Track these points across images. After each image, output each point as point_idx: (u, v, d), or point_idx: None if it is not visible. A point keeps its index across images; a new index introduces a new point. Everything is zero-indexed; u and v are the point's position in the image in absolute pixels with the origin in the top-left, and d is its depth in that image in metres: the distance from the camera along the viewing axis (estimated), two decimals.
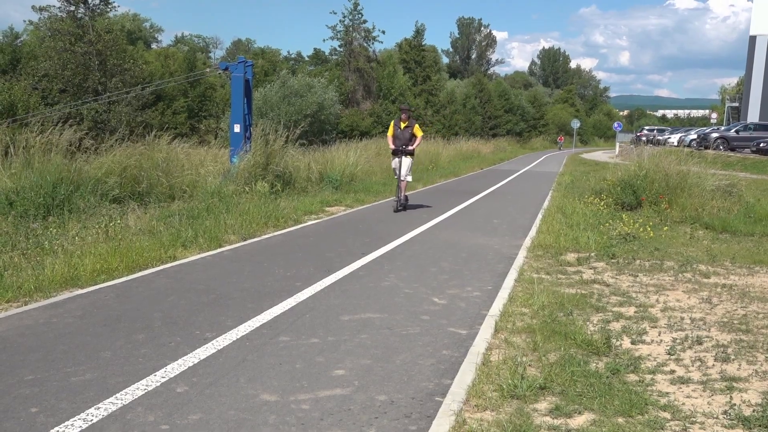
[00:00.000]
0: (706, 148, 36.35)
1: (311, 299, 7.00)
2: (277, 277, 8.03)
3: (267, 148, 16.28)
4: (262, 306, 6.65)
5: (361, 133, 43.59)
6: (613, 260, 9.57)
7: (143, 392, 4.47)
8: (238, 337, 5.68)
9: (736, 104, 66.60)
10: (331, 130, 43.21)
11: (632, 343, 5.83)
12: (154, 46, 73.73)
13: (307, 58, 71.20)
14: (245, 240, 10.61)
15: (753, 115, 55.08)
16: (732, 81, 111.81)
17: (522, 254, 10.05)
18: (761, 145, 32.95)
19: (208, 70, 35.18)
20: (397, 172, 14.87)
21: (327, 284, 7.69)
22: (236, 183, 14.85)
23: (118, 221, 10.33)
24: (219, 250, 9.71)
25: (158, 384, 4.61)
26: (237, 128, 16.41)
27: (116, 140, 14.07)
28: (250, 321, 6.12)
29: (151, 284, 7.51)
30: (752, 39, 57.13)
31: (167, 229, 10.38)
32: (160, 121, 40.34)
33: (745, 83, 60.74)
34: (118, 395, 4.40)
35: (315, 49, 79.31)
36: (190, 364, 4.99)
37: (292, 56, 75.76)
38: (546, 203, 17.17)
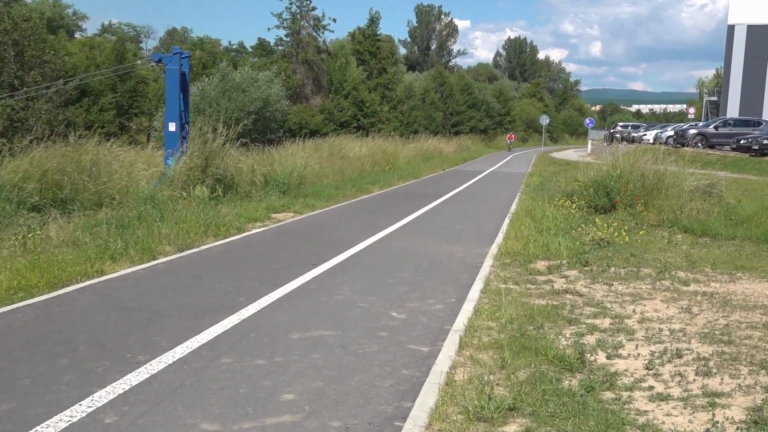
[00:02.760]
0: (684, 145, 37.08)
1: (256, 316, 6.96)
2: (219, 291, 7.97)
3: (206, 148, 16.13)
4: (202, 324, 6.58)
5: (311, 131, 43.46)
6: (586, 268, 9.71)
7: (67, 424, 4.38)
8: (175, 359, 5.61)
9: (714, 98, 68.08)
10: (278, 128, 42.94)
11: (608, 357, 5.90)
12: (77, 35, 72.54)
13: (250, 49, 70.80)
14: (182, 251, 10.51)
15: (732, 110, 56.51)
16: (710, 73, 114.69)
17: (488, 263, 10.13)
18: (741, 142, 33.76)
19: (139, 62, 34.68)
20: None
21: (274, 299, 7.65)
22: (172, 188, 14.68)
23: (38, 232, 10.14)
24: (152, 262, 9.60)
25: (84, 414, 4.53)
26: (172, 127, 16.23)
27: (33, 140, 13.77)
28: (188, 341, 6.06)
29: (76, 302, 7.38)
30: (731, 28, 58.62)
31: (94, 240, 10.22)
32: (86, 119, 39.63)
33: (723, 76, 62.28)
34: (38, 428, 4.31)
35: (259, 39, 78.96)
36: (121, 392, 4.91)
37: (234, 47, 75.29)
38: (513, 207, 17.38)
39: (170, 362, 5.53)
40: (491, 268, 9.75)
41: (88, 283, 8.24)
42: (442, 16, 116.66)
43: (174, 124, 16.25)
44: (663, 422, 4.60)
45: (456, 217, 15.75)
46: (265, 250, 10.88)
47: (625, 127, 60.23)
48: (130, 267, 9.24)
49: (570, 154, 54.47)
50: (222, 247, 11.05)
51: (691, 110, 74.07)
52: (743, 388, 5.22)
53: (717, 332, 6.67)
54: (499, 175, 31.88)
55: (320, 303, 7.58)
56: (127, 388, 4.98)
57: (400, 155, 34.89)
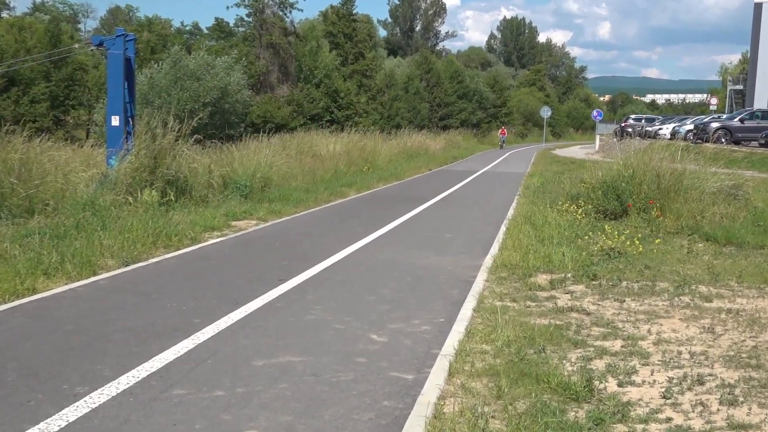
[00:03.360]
0: (705, 141, 37.29)
1: (214, 340, 6.95)
2: (170, 312, 7.95)
3: (154, 146, 16.05)
4: (151, 350, 6.55)
5: (278, 125, 43.31)
6: (594, 282, 9.75)
7: None
8: (119, 391, 5.58)
9: (739, 87, 68.50)
10: (238, 122, 42.84)
11: (619, 385, 5.93)
12: (4, 14, 72.04)
13: (206, 31, 70.60)
14: (128, 265, 10.45)
15: (760, 101, 56.66)
16: (734, 59, 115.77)
17: (482, 277, 10.17)
18: None
19: (76, 45, 34.42)
20: None
21: (234, 320, 7.65)
22: (115, 192, 14.59)
23: None
24: (93, 278, 9.54)
25: None
26: (115, 121, 16.15)
27: None
28: (135, 370, 6.03)
29: (3, 325, 7.32)
30: (758, 7, 59.01)
31: (24, 252, 10.12)
32: (14, 112, 39.39)
33: (750, 62, 62.84)
34: None
35: (216, 19, 78.63)
36: (56, 429, 4.88)
37: (187, 28, 74.99)
38: (511, 212, 17.46)
39: (114, 394, 5.50)
40: (485, 282, 9.79)
41: (17, 302, 8.18)
42: None
43: (117, 117, 16.17)
44: None
45: (445, 225, 15.83)
46: (224, 264, 10.87)
47: (638, 120, 60.47)
48: (67, 284, 9.18)
49: (575, 151, 54.73)
50: (174, 261, 11.02)
51: (713, 101, 74.56)
52: None
53: (744, 355, 6.72)
54: (494, 176, 32.09)
55: (288, 324, 7.57)
56: (63, 424, 4.95)
57: (381, 153, 35.00)
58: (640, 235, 12.67)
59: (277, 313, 8.03)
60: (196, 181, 17.64)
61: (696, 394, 5.73)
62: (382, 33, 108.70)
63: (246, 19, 55.47)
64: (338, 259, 11.36)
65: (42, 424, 4.93)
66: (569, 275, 10.08)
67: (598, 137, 57.08)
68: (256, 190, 19.03)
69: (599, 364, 6.41)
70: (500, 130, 70.45)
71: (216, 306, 8.21)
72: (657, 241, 12.55)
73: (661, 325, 7.74)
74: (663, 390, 5.80)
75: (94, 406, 5.26)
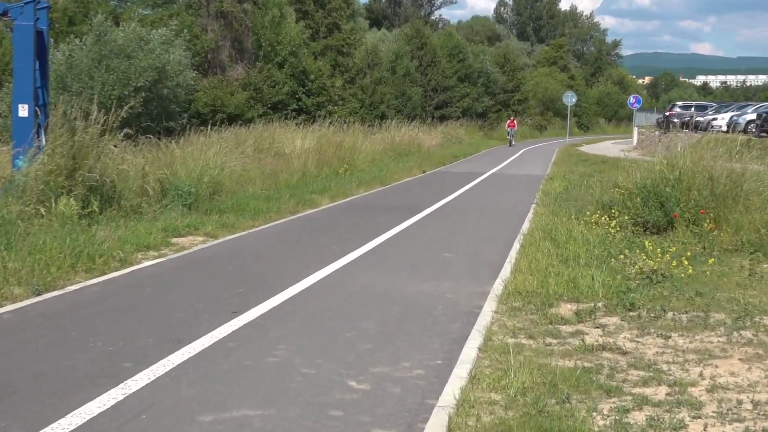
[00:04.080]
0: None
1: (150, 389, 6.92)
2: (94, 353, 7.91)
3: (74, 142, 15.99)
4: (69, 402, 6.52)
5: (230, 116, 43.09)
6: (631, 313, 9.79)
7: None
8: None
9: None
10: (181, 112, 42.57)
11: None
12: None
13: None
14: (39, 294, 10.40)
15: None
16: None
17: (489, 307, 10.19)
18: None
19: None
20: None
21: (175, 364, 7.63)
22: (24, 201, 14.52)
23: None
24: None
25: None
26: (23, 111, 16.08)
27: None
28: (49, 428, 6.00)
29: None
30: None
31: None
32: None
33: None
34: None
35: None
36: None
37: None
38: (526, 225, 17.47)
39: None
40: (494, 314, 9.81)
41: None
42: None
43: (26, 106, 16.10)
44: None
45: (443, 241, 15.89)
46: (162, 292, 10.83)
47: (687, 108, 60.45)
48: None
49: (607, 147, 54.87)
50: (99, 288, 10.97)
51: None
52: None
53: None
54: (504, 179, 32.17)
55: (244, 368, 7.57)
56: None
57: (361, 151, 35.06)
58: (689, 254, 12.72)
59: (229, 354, 8.02)
60: (126, 187, 17.56)
61: None
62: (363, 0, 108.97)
63: None
64: (307, 285, 11.36)
65: None
66: (600, 305, 10.12)
67: (636, 130, 57.28)
68: (204, 198, 18.97)
69: (638, 417, 6.41)
70: (508, 122, 68.85)
71: (152, 346, 8.19)
72: (711, 260, 12.57)
73: (717, 367, 7.75)
74: None
75: None
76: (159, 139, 22.92)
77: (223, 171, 21.23)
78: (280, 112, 46.66)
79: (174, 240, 15.02)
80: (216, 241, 15.25)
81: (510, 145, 64.16)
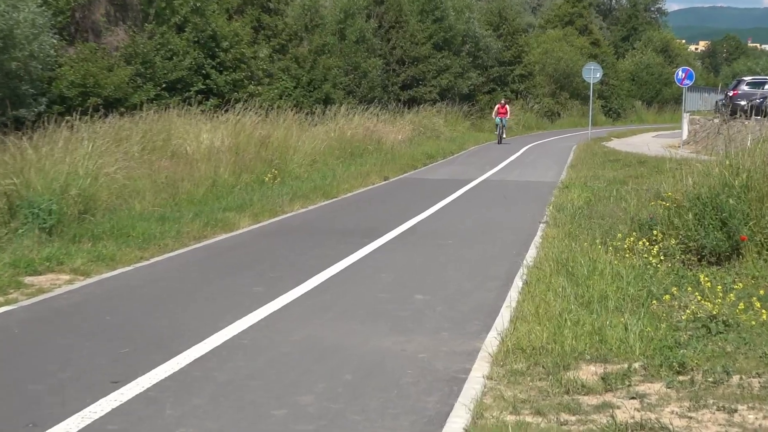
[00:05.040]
0: None
1: None
2: None
3: None
4: None
5: (108, 101, 42.79)
6: (681, 377, 9.73)
7: None
8: None
9: None
10: (37, 95, 42.25)
11: None
12: None
13: None
14: None
15: None
16: None
17: (481, 370, 10.16)
18: None
19: None
20: None
21: None
22: None
23: None
24: None
25: None
26: None
27: None
28: None
29: None
30: None
31: None
32: None
33: None
34: None
35: None
36: None
37: None
38: (532, 253, 17.59)
39: None
40: (487, 381, 9.80)
41: None
42: None
43: None
44: None
45: (413, 278, 15.82)
46: (11, 357, 10.74)
47: (758, 85, 60.65)
48: None
49: (646, 141, 55.25)
50: None
51: None
52: None
53: None
54: (501, 189, 32.17)
55: None
56: None
57: (297, 150, 34.91)
58: (762, 292, 12.68)
59: None
60: None
61: None
62: None
63: None
64: (220, 342, 11.32)
65: None
66: (637, 366, 10.13)
67: (686, 117, 57.46)
68: (70, 219, 18.84)
69: None
70: (497, 106, 64.73)
71: None
72: None
73: None
74: None
75: None
76: (4, 134, 22.71)
77: (97, 180, 21.02)
78: (180, 95, 46.04)
79: (28, 280, 14.87)
80: (88, 281, 15.09)
81: (499, 143, 61.45)
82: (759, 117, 30.81)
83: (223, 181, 26.86)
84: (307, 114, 44.35)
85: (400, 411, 8.91)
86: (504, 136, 62.18)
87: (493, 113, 64.23)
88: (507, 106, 64.67)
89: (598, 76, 67.73)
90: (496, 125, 62.55)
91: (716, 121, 45.18)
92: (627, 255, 15.25)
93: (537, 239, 19.37)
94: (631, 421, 8.35)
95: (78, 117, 25.90)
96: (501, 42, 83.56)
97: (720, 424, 8.35)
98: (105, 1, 51.70)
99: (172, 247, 18.25)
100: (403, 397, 9.33)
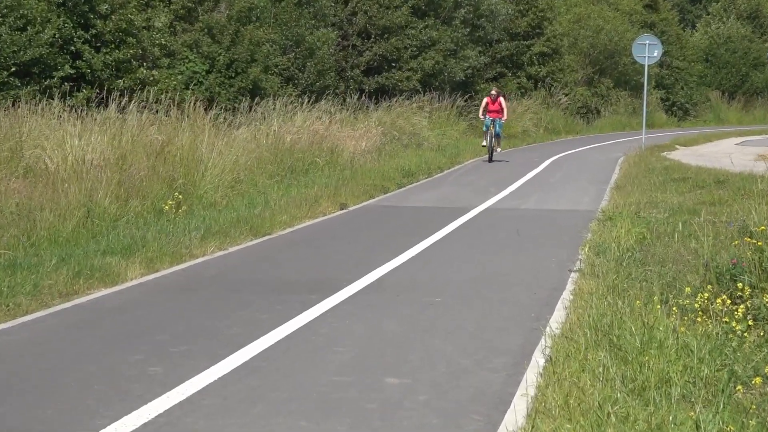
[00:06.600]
0: None
1: None
2: None
3: None
4: None
5: None
6: None
7: None
8: None
9: None
10: None
11: None
12: None
13: None
14: None
15: None
16: None
17: None
18: None
19: None
20: None
21: None
22: None
23: None
24: None
25: None
26: None
27: None
28: None
29: None
30: None
31: None
32: None
33: None
34: None
35: None
36: None
37: None
38: (559, 316, 17.49)
39: None
40: None
41: None
42: None
43: None
44: None
45: (384, 354, 15.42)
46: None
47: None
48: None
49: (728, 152, 55.70)
50: None
51: None
52: None
53: None
54: (512, 221, 32.05)
55: None
56: None
57: (211, 165, 34.36)
58: None
59: None
60: None
61: None
62: None
63: None
64: None
65: None
66: None
67: None
68: None
69: None
70: (486, 100, 60.99)
71: None
72: None
73: None
74: None
75: None
76: None
77: None
78: (37, 83, 45.88)
79: None
80: None
81: (489, 161, 57.90)
82: None
83: (102, 211, 26.10)
84: (225, 111, 43.99)
85: None
86: (497, 149, 58.12)
87: (480, 111, 60.11)
88: (501, 99, 59.53)
89: (656, 54, 65.18)
90: (485, 131, 58.69)
91: None
92: (699, 319, 14.89)
93: (566, 296, 18.90)
94: None
95: None
96: (513, 5, 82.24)
97: None
98: None
99: (26, 308, 17.66)
100: None
